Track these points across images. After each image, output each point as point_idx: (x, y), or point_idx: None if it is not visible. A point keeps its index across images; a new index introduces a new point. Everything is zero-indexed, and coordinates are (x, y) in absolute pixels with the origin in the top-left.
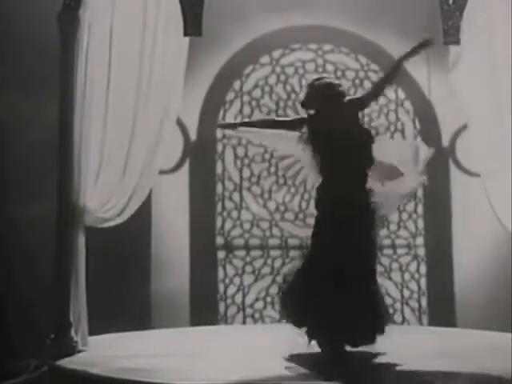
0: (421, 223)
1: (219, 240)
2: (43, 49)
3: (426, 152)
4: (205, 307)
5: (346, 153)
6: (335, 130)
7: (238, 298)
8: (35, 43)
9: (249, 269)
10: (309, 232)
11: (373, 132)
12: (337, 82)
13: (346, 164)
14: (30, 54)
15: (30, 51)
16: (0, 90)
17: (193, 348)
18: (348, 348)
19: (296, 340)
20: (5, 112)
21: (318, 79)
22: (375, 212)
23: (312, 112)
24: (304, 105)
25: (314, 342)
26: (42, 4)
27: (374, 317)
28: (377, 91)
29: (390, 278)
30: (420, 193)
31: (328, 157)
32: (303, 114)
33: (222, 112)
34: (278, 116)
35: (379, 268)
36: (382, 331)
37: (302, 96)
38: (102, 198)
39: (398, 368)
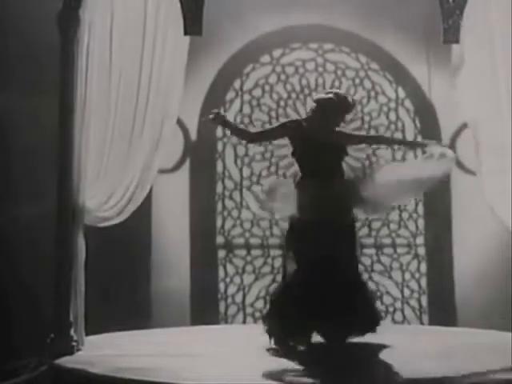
0: (421, 223)
1: (219, 239)
2: (43, 48)
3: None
4: (205, 306)
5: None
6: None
7: (239, 298)
8: (35, 43)
9: (249, 268)
10: None
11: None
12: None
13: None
14: (30, 54)
15: (29, 51)
16: (0, 89)
17: (193, 348)
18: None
19: None
20: (5, 112)
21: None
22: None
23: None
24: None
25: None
26: (42, 4)
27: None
28: (367, 141)
29: (390, 277)
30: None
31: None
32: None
33: (222, 111)
34: (278, 115)
35: (380, 267)
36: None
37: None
38: (102, 197)
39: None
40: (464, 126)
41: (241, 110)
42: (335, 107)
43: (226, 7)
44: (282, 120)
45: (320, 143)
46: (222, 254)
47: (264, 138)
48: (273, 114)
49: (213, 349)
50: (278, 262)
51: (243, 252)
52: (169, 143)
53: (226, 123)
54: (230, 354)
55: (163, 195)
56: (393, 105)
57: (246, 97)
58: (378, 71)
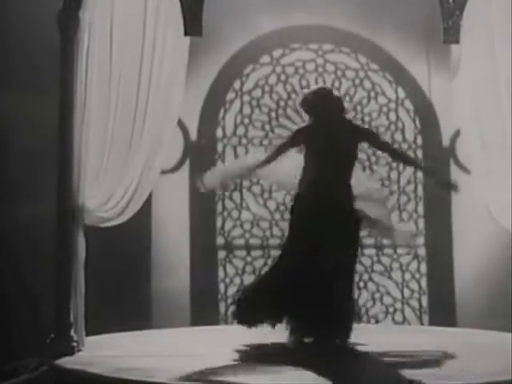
0: (421, 223)
1: (219, 240)
2: (43, 49)
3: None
4: (205, 307)
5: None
6: (331, 143)
7: None
8: (35, 43)
9: (249, 269)
10: None
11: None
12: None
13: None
14: (30, 54)
15: (30, 51)
16: (0, 89)
17: (193, 348)
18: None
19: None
20: (5, 112)
21: (324, 89)
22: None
23: (310, 121)
24: (307, 109)
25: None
26: (42, 4)
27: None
28: (384, 148)
29: (390, 278)
30: (420, 193)
31: (317, 161)
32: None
33: (222, 112)
34: (278, 116)
35: (380, 268)
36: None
37: (306, 99)
38: (102, 197)
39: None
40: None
41: (241, 110)
42: (336, 98)
43: (226, 7)
44: (290, 134)
45: (331, 143)
46: (222, 254)
47: (278, 153)
48: (273, 114)
49: (213, 349)
50: None
51: (243, 253)
52: (170, 144)
53: (232, 178)
54: (229, 354)
55: (163, 196)
56: (393, 105)
57: (246, 97)
58: (377, 71)
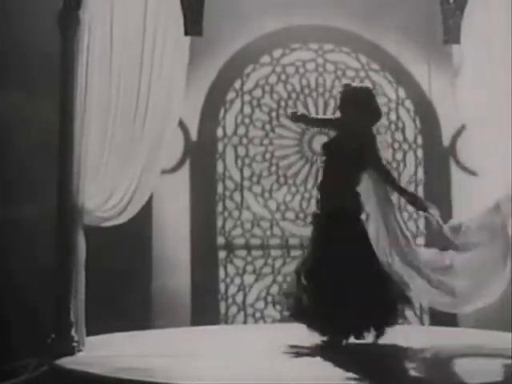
0: (421, 223)
1: (220, 240)
2: (43, 48)
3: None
4: (206, 307)
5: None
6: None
7: (239, 298)
8: (35, 42)
9: (250, 268)
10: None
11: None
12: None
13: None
14: (30, 54)
15: (30, 51)
16: (0, 89)
17: (193, 348)
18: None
19: (296, 338)
20: (5, 112)
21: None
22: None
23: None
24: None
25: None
26: (43, 3)
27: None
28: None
29: None
30: (421, 193)
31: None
32: None
33: (222, 112)
34: (279, 116)
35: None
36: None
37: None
38: (102, 197)
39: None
40: (464, 126)
41: (241, 110)
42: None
43: (226, 7)
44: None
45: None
46: (222, 254)
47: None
48: (273, 114)
49: (213, 349)
50: (278, 263)
51: (244, 252)
52: (170, 144)
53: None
54: (230, 354)
55: (164, 196)
56: (393, 105)
57: (247, 97)
58: (378, 71)
